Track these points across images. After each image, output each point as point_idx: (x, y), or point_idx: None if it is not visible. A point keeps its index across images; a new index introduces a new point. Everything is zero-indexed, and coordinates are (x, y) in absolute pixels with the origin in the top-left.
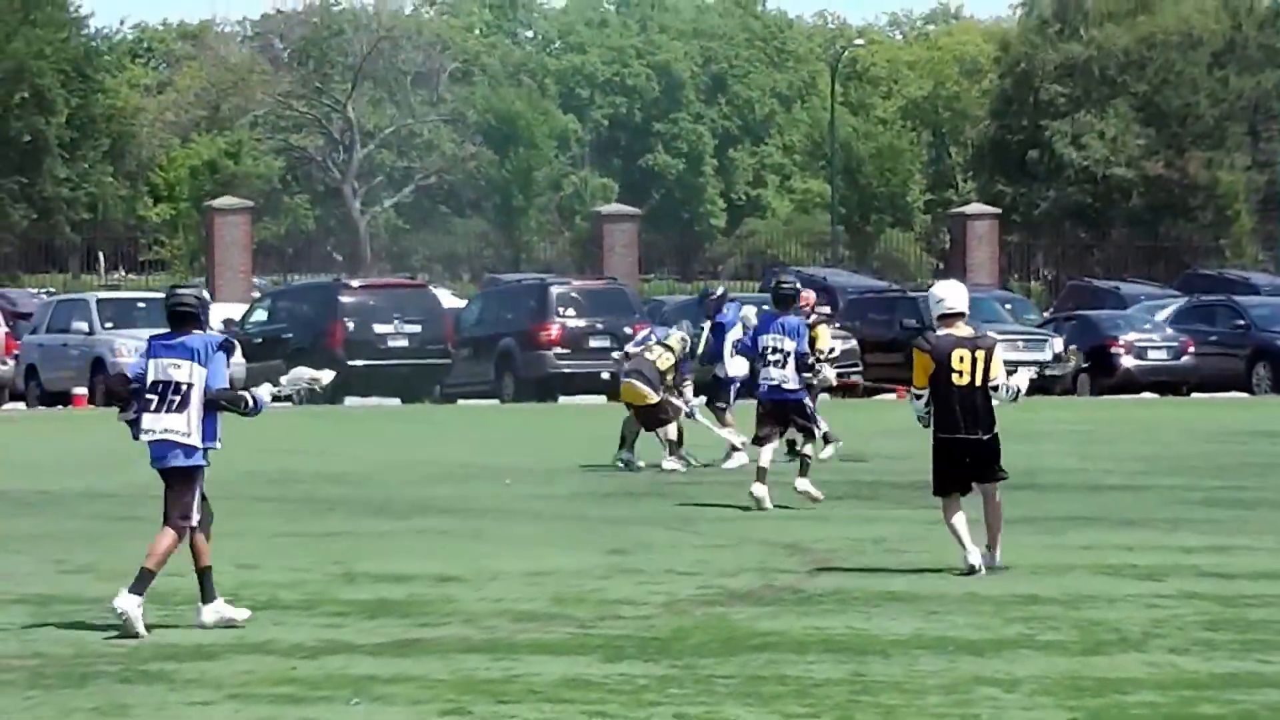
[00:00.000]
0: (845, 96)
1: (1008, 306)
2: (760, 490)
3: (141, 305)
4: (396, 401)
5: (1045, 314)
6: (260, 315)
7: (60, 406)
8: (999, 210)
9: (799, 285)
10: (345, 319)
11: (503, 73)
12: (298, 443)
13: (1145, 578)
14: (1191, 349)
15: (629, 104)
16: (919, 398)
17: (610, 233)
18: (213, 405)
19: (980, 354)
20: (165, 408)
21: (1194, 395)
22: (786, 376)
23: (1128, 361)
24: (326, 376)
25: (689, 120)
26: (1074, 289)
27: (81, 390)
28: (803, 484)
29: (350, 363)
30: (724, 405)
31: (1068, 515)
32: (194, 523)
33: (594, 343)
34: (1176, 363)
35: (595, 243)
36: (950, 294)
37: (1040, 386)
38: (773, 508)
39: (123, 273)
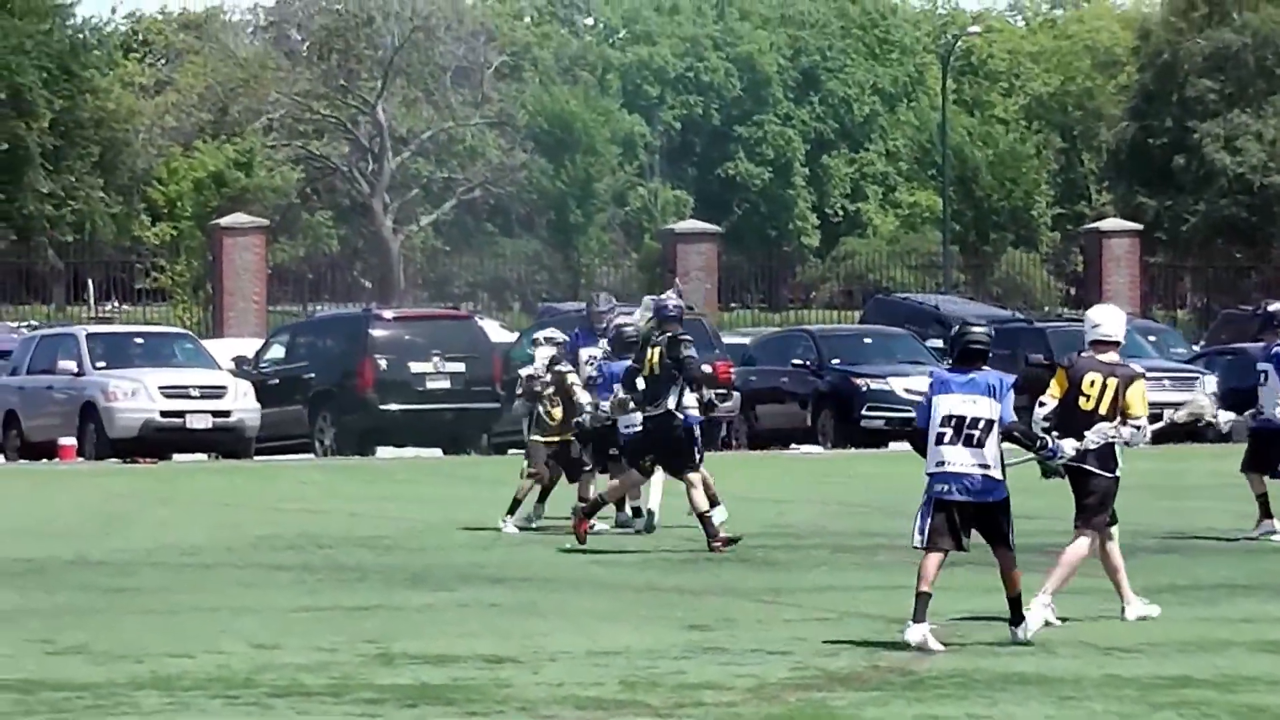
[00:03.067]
0: (958, 94)
1: (1151, 338)
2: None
3: (139, 341)
4: (437, 453)
5: (1195, 348)
6: (277, 352)
7: (44, 460)
8: (1139, 226)
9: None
10: (377, 356)
11: (557, 68)
12: (320, 501)
13: None
14: None
15: (705, 104)
16: (1042, 405)
17: (685, 254)
18: (1005, 438)
19: (1113, 382)
20: (964, 442)
21: None
22: None
23: None
24: None
25: (776, 122)
26: (1228, 318)
27: (69, 440)
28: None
29: (383, 407)
30: None
31: (1222, 583)
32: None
33: None
34: None
35: (667, 265)
36: (1105, 319)
37: (1190, 432)
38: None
39: (116, 303)
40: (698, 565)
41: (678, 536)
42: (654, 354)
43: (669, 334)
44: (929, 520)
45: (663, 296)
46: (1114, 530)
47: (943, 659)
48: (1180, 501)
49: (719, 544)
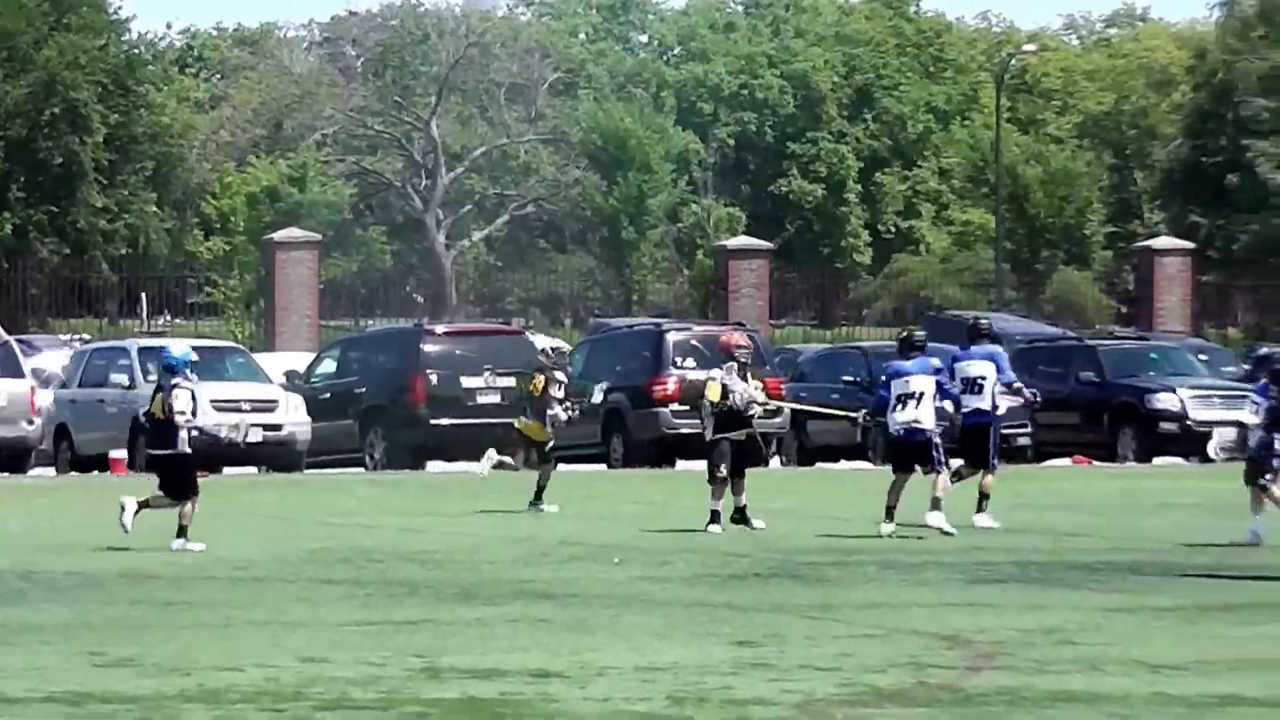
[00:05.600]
0: (1012, 112)
1: (1202, 357)
2: None
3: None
4: None
5: (1245, 366)
6: (328, 366)
7: (96, 472)
8: (1192, 245)
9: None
10: (428, 371)
11: (611, 85)
12: (372, 515)
13: None
14: None
15: (759, 121)
16: None
17: (737, 271)
18: None
19: None
20: None
21: None
22: None
23: None
24: None
25: (829, 140)
26: None
27: (120, 453)
28: None
29: (433, 422)
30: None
31: (1274, 602)
32: None
33: None
34: None
35: (720, 282)
36: None
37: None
38: None
39: (168, 317)
40: (747, 581)
41: (728, 552)
42: None
43: None
44: None
45: None
46: None
47: (990, 676)
48: (1235, 520)
49: None
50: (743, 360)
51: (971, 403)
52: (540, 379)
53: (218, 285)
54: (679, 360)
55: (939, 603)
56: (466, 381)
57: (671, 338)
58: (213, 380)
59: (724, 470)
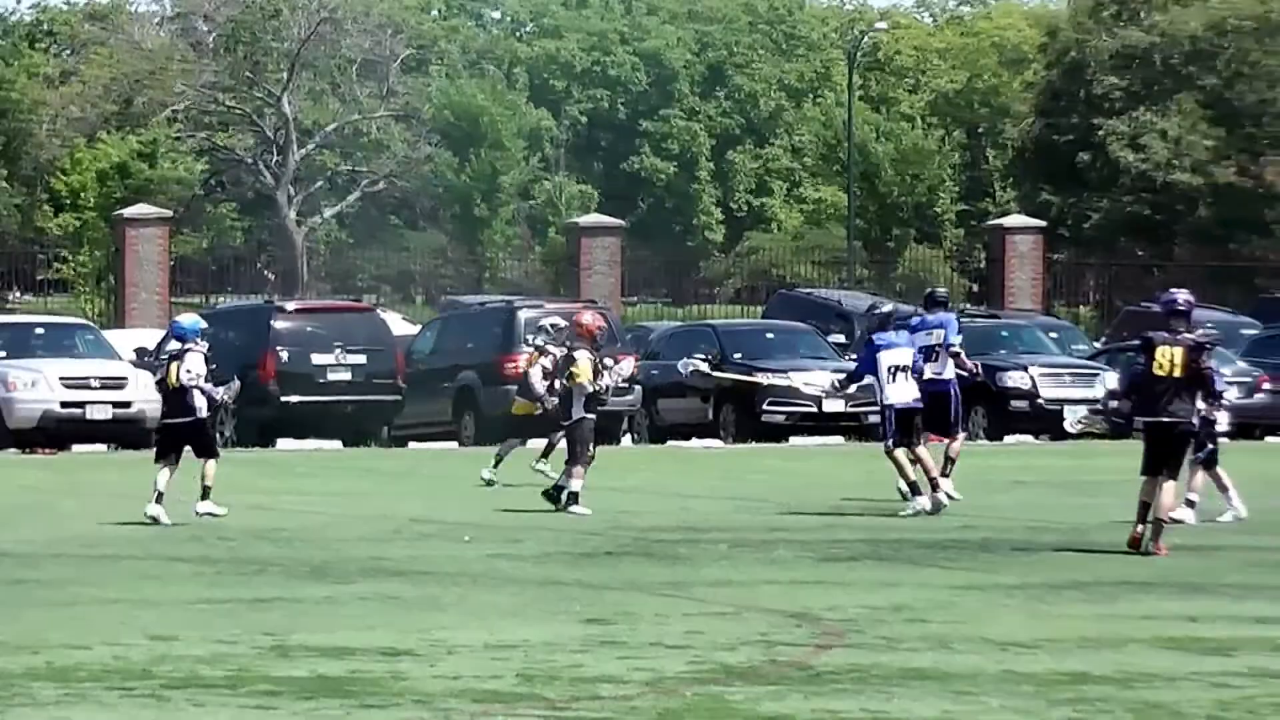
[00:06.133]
0: (865, 90)
1: (1053, 335)
2: None
3: (40, 331)
4: (338, 444)
5: (1097, 344)
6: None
7: None
8: (1044, 223)
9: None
10: (278, 348)
11: (464, 61)
12: (221, 493)
13: (1211, 652)
14: (1267, 385)
15: (611, 98)
16: None
17: (589, 248)
18: None
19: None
20: None
21: (1268, 439)
22: None
23: None
24: None
25: (682, 117)
26: (1131, 315)
27: None
28: None
29: (284, 399)
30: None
31: (1122, 580)
32: None
33: None
34: (1249, 401)
35: (572, 260)
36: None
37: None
38: None
39: (17, 294)
40: (598, 559)
41: (580, 530)
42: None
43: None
44: None
45: (1174, 291)
46: None
47: (840, 654)
48: (1085, 498)
49: None
50: (601, 344)
51: (931, 370)
52: (530, 354)
53: (67, 261)
54: (530, 338)
55: (790, 581)
56: (317, 359)
57: (523, 315)
58: (62, 357)
59: (592, 450)
